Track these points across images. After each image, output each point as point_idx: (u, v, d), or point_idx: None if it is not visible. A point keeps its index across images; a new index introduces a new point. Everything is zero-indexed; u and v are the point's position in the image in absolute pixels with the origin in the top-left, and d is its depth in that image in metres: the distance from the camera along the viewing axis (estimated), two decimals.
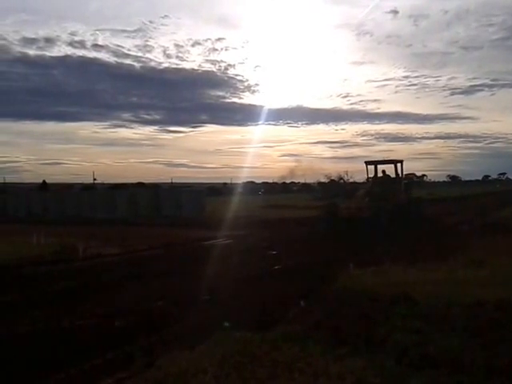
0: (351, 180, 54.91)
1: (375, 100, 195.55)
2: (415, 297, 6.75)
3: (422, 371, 4.21)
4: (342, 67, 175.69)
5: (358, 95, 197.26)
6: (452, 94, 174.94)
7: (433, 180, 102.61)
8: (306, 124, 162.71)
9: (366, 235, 16.16)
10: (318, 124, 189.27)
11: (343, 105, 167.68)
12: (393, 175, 21.06)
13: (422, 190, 63.66)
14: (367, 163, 21.69)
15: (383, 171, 21.17)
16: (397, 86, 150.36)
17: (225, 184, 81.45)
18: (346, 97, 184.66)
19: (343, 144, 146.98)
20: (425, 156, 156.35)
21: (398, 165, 20.99)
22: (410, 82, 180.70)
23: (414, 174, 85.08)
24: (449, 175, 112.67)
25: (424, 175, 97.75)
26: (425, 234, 16.63)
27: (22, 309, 7.59)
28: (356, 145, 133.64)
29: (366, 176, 21.97)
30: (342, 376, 4.13)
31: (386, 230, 16.92)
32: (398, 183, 20.99)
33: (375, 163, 21.72)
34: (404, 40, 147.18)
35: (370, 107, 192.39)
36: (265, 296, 8.01)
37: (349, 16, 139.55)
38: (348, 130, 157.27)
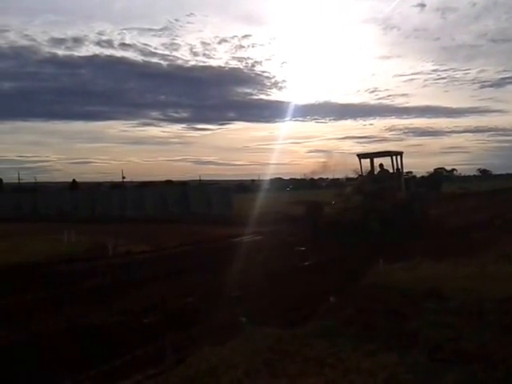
0: None
1: (403, 94, 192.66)
2: (446, 292, 6.64)
3: (455, 367, 4.14)
4: (369, 62, 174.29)
5: (386, 90, 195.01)
6: (482, 87, 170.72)
7: (463, 174, 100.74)
8: (334, 120, 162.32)
9: (350, 241, 13.90)
10: (346, 119, 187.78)
11: (371, 100, 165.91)
12: (398, 170, 17.86)
13: (452, 185, 62.75)
14: (360, 156, 18.57)
15: (380, 165, 18.18)
16: (425, 80, 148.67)
17: (253, 181, 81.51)
18: (373, 91, 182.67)
19: (371, 139, 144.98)
20: (454, 150, 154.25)
21: (396, 157, 17.94)
22: (438, 75, 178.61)
23: (443, 169, 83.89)
24: (479, 169, 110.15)
25: (454, 169, 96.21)
26: (431, 236, 14.64)
27: (53, 306, 7.75)
28: (384, 140, 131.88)
29: (359, 171, 18.69)
30: (373, 372, 4.09)
31: (379, 233, 14.47)
32: (397, 179, 17.84)
33: (370, 156, 18.56)
34: (432, 33, 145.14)
35: (399, 102, 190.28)
36: (294, 292, 7.99)
37: (375, 10, 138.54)
38: (376, 125, 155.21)
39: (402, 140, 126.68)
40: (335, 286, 8.13)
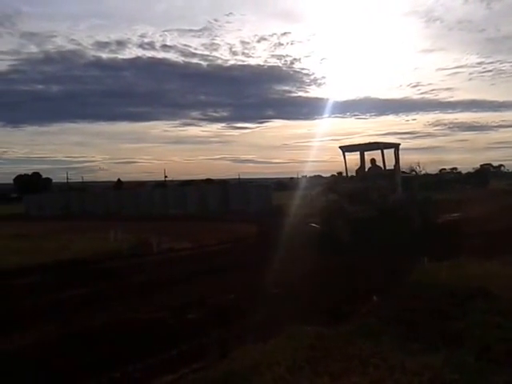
0: (423, 172, 53.30)
1: (447, 88, 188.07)
2: (494, 291, 6.43)
3: (504, 368, 4.02)
4: (411, 56, 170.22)
5: (429, 84, 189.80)
6: None
7: (511, 170, 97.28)
8: (375, 115, 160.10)
9: (309, 255, 11.20)
10: (388, 115, 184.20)
11: (413, 94, 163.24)
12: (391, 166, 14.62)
13: (499, 181, 60.74)
14: (344, 149, 14.80)
15: (372, 160, 14.81)
16: (470, 73, 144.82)
17: (291, 178, 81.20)
18: (416, 86, 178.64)
19: (414, 135, 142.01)
20: (502, 145, 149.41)
21: (395, 151, 14.58)
22: (484, 68, 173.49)
23: (490, 165, 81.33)
24: None
25: (501, 165, 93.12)
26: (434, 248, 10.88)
27: (100, 301, 7.99)
28: (428, 135, 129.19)
29: (344, 168, 15.09)
30: (418, 372, 4.02)
31: (349, 245, 11.77)
32: (391, 178, 14.34)
33: (359, 149, 15.04)
34: (476, 25, 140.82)
35: (442, 96, 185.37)
36: (335, 290, 7.92)
37: (417, 3, 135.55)
38: (419, 121, 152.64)
39: (447, 135, 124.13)
40: (378, 284, 8.01)
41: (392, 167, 14.71)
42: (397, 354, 4.43)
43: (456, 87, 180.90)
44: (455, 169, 71.71)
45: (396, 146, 14.62)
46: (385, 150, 14.67)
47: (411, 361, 4.25)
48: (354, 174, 15.38)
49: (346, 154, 14.85)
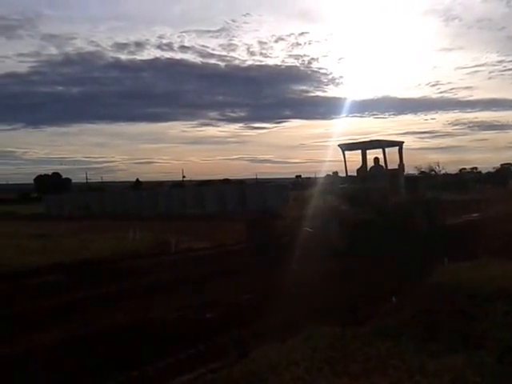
0: (443, 171, 52.72)
1: (467, 87, 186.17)
2: None
3: None
4: (429, 55, 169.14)
5: (449, 83, 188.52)
6: None
7: None
8: (394, 115, 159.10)
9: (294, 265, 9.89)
10: (406, 114, 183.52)
11: (432, 93, 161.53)
12: (394, 165, 13.61)
13: None
14: (344, 148, 13.88)
15: (375, 159, 13.75)
16: (490, 72, 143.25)
17: (309, 178, 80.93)
18: (435, 85, 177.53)
19: (433, 134, 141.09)
20: None
21: (400, 149, 13.61)
22: (504, 66, 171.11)
23: (511, 164, 80.00)
24: None
25: None
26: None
27: (118, 301, 8.06)
28: (447, 135, 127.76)
29: (344, 167, 14.11)
30: (438, 373, 3.97)
31: (346, 254, 10.67)
32: (393, 178, 13.37)
33: (361, 147, 14.09)
34: (496, 23, 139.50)
35: (462, 95, 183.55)
36: (353, 291, 7.88)
37: (435, 2, 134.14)
38: (439, 120, 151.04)
39: (466, 135, 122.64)
40: (397, 285, 7.94)
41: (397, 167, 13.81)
42: (416, 355, 4.38)
43: (476, 86, 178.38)
44: (475, 168, 70.80)
45: (400, 145, 13.71)
46: (390, 149, 13.78)
47: (431, 362, 4.20)
48: (356, 173, 14.49)
49: (347, 152, 14.08)
